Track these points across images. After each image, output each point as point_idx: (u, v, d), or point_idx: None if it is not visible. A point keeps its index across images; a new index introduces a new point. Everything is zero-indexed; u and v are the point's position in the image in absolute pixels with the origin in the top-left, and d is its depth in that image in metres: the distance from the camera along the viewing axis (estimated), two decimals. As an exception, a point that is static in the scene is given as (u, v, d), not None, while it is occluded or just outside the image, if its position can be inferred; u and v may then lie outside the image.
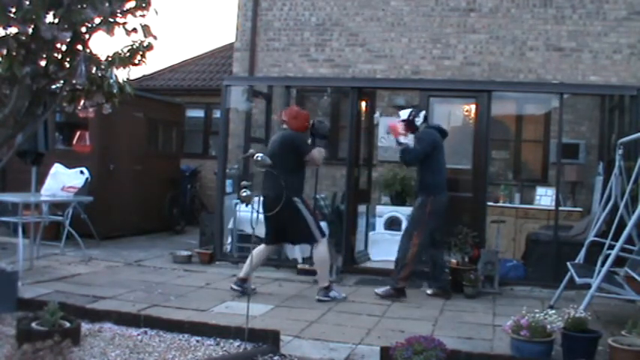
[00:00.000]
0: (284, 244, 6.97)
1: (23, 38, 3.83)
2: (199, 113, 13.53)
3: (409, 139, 6.44)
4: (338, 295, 6.25)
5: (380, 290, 6.38)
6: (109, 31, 3.99)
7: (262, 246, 6.44)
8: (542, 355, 4.36)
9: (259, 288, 6.50)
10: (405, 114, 6.59)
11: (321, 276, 6.29)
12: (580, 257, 6.24)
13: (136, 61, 4.34)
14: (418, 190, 6.68)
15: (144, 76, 14.09)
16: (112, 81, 4.42)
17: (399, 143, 6.50)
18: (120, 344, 4.34)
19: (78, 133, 8.97)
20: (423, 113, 6.63)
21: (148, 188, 10.28)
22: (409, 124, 6.50)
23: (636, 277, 5.13)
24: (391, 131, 6.71)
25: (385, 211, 8.88)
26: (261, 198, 6.17)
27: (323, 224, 7.85)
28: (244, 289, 6.12)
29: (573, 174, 9.30)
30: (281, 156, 6.13)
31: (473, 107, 9.08)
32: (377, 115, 10.11)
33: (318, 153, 6.33)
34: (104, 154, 9.47)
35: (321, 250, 6.26)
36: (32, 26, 3.75)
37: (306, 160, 6.31)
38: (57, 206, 8.23)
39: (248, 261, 6.11)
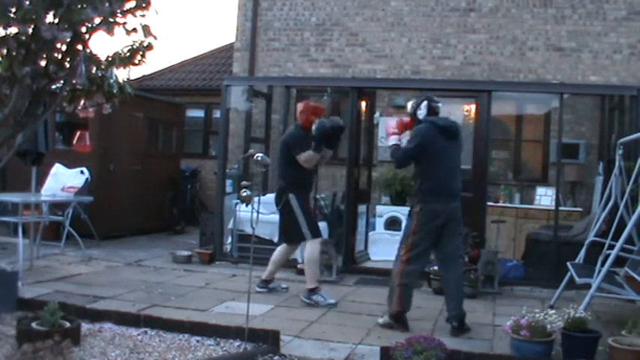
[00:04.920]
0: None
1: (23, 38, 3.82)
2: (199, 113, 13.52)
3: (398, 138, 5.50)
4: (322, 300, 5.95)
5: (381, 320, 5.36)
6: (109, 31, 3.99)
7: (283, 245, 6.52)
8: (542, 355, 4.36)
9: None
10: (409, 106, 5.62)
11: (307, 276, 6.12)
12: (580, 257, 6.24)
13: (136, 61, 4.34)
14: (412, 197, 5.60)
15: (144, 76, 14.08)
16: (112, 81, 4.42)
17: (390, 146, 5.59)
18: (120, 344, 4.34)
19: (78, 133, 8.97)
20: (425, 104, 5.42)
21: (148, 188, 10.28)
22: (412, 118, 5.52)
23: (636, 277, 5.13)
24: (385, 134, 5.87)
25: (385, 211, 8.88)
26: None
27: (323, 224, 7.89)
28: (270, 289, 6.39)
29: (573, 174, 9.30)
30: (279, 151, 6.32)
31: (473, 107, 9.08)
32: (377, 115, 10.11)
33: (305, 156, 6.04)
34: (104, 154, 9.47)
35: (310, 250, 6.08)
36: (32, 26, 3.74)
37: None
38: (57, 206, 8.23)
39: (270, 262, 6.42)
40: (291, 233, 6.28)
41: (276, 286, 6.49)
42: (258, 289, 6.35)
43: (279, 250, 6.48)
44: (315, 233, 6.12)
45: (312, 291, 6.03)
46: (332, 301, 6.01)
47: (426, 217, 5.26)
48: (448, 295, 5.33)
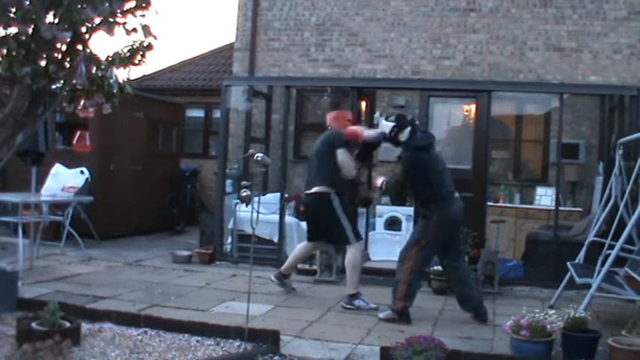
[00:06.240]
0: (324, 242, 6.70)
1: (23, 38, 3.83)
2: (199, 113, 13.53)
3: (385, 180, 6.19)
4: (365, 304, 5.87)
5: (382, 314, 5.56)
6: (109, 31, 4.00)
7: (305, 242, 6.54)
8: (542, 355, 4.36)
9: (259, 288, 6.48)
10: (387, 127, 5.74)
11: (348, 281, 6.03)
12: (580, 257, 6.24)
13: (136, 61, 4.35)
14: (420, 206, 5.81)
15: (144, 76, 14.09)
16: (112, 81, 4.42)
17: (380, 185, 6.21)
18: (120, 344, 4.34)
19: (78, 133, 8.97)
20: (407, 130, 5.65)
21: (148, 188, 10.28)
22: (392, 142, 5.76)
23: (636, 277, 5.13)
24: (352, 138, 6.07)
25: (385, 211, 8.87)
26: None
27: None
28: (283, 284, 6.46)
29: (573, 174, 9.30)
30: (322, 153, 6.17)
31: (473, 107, 9.09)
32: (377, 115, 10.11)
33: (341, 155, 6.00)
34: (104, 154, 9.47)
35: (352, 254, 6.00)
36: (32, 26, 3.75)
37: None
38: (57, 206, 8.23)
39: (290, 256, 6.53)
40: (334, 235, 6.17)
41: (288, 283, 6.53)
42: (272, 278, 6.45)
43: (302, 246, 6.54)
44: (358, 236, 6.17)
45: (354, 296, 5.95)
46: (373, 305, 5.89)
47: (445, 219, 5.55)
48: (466, 286, 5.67)
